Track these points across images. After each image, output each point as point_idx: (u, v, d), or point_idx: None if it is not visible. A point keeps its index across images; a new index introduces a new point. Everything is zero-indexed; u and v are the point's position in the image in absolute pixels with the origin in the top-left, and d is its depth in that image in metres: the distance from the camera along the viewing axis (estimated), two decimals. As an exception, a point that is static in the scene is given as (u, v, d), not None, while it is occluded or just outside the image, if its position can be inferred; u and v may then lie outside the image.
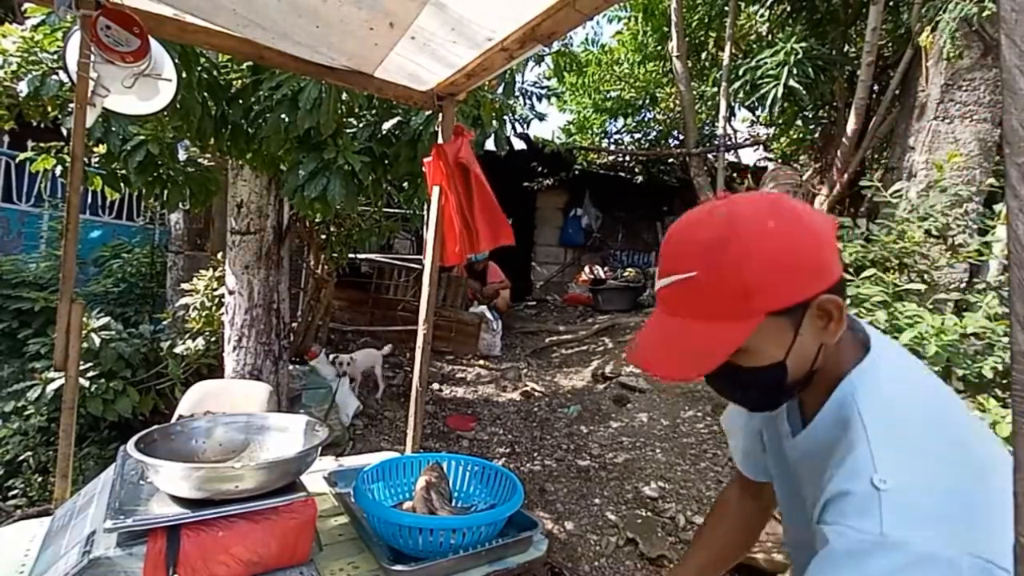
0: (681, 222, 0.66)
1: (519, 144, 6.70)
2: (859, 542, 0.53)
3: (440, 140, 1.97)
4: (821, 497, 0.60)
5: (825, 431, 0.66)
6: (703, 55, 7.78)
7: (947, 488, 0.54)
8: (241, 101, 2.50)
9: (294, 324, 4.08)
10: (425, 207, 3.51)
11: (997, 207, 3.48)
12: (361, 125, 2.76)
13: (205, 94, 2.43)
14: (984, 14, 3.94)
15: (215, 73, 2.47)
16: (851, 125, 5.50)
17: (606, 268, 8.75)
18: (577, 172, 8.34)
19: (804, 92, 5.30)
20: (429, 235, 2.02)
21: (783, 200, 0.63)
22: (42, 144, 2.73)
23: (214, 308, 3.65)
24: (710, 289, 0.60)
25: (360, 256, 5.60)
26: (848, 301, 2.83)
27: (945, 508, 0.53)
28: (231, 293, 3.17)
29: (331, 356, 3.97)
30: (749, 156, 9.12)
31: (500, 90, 3.19)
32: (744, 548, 1.00)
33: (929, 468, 0.56)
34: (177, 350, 3.46)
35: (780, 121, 7.26)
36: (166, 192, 2.80)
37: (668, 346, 0.64)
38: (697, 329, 0.62)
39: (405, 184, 3.17)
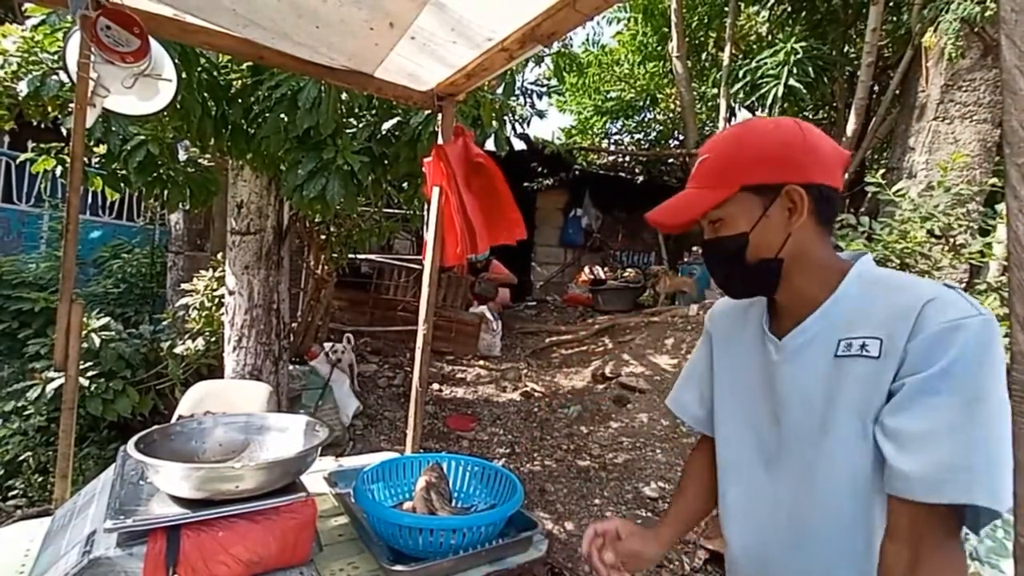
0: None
1: (519, 144, 6.69)
2: (978, 319, 0.65)
3: (440, 140, 1.97)
4: (897, 329, 0.69)
5: (853, 300, 0.76)
6: (703, 55, 7.78)
7: None
8: (241, 101, 2.50)
9: (294, 324, 4.08)
10: (425, 207, 3.51)
11: (999, 207, 3.48)
12: (361, 125, 2.75)
13: (205, 94, 2.43)
14: (986, 14, 3.94)
15: (215, 73, 2.47)
16: (851, 125, 5.50)
17: (606, 268, 8.75)
18: (577, 172, 8.35)
19: (805, 91, 5.29)
20: (429, 235, 2.01)
21: (797, 121, 0.78)
22: (42, 144, 2.73)
23: (214, 308, 3.65)
24: (709, 165, 0.79)
25: (360, 256, 5.60)
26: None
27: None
28: (231, 293, 3.16)
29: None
30: (749, 156, 9.12)
31: (500, 90, 3.19)
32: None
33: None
34: (177, 350, 3.46)
35: (780, 121, 7.25)
36: (166, 192, 2.80)
37: (669, 205, 0.83)
38: (692, 194, 0.81)
39: (405, 184, 3.16)
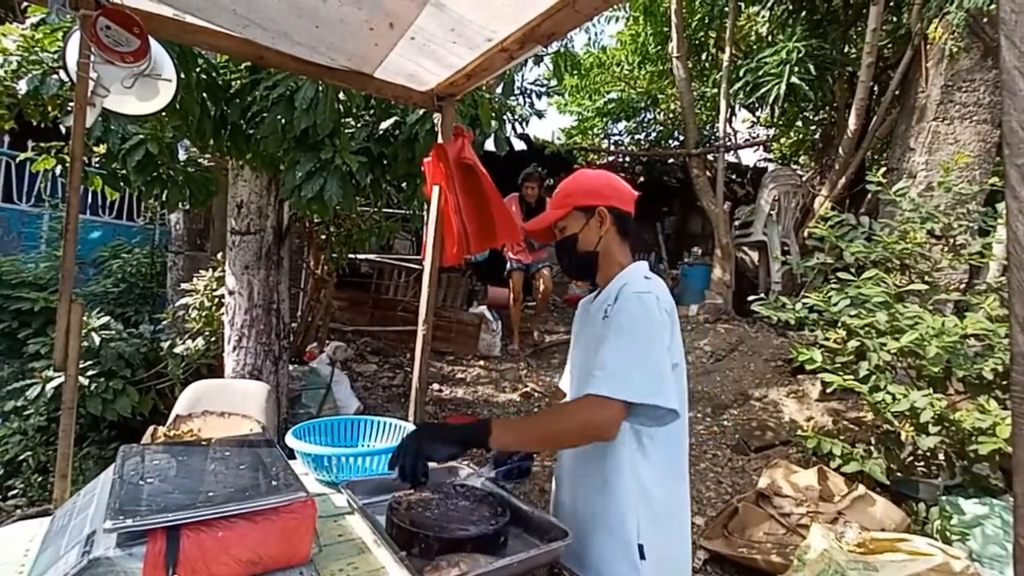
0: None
1: (519, 144, 6.68)
2: (644, 295, 1.16)
3: (440, 140, 1.97)
4: (612, 305, 1.19)
5: (613, 288, 1.25)
6: (703, 56, 7.77)
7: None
8: (239, 101, 2.50)
9: (294, 324, 4.08)
10: (425, 207, 3.51)
11: (999, 206, 3.47)
12: (359, 125, 2.75)
13: (204, 94, 2.43)
14: (991, 6, 3.94)
15: (213, 74, 2.47)
16: (851, 126, 5.49)
17: (606, 268, 8.73)
18: (577, 172, 8.33)
19: (807, 89, 5.27)
20: (429, 235, 2.01)
21: (607, 172, 1.36)
22: (42, 144, 2.73)
23: (214, 308, 3.65)
24: (557, 194, 1.33)
25: (360, 256, 5.59)
26: (849, 303, 2.85)
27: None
28: (231, 293, 3.17)
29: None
30: (749, 157, 9.13)
31: (499, 90, 3.19)
32: None
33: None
34: (177, 350, 3.46)
35: (780, 122, 7.25)
36: (166, 192, 2.80)
37: (536, 219, 1.36)
38: (548, 212, 1.33)
39: (404, 184, 3.16)
